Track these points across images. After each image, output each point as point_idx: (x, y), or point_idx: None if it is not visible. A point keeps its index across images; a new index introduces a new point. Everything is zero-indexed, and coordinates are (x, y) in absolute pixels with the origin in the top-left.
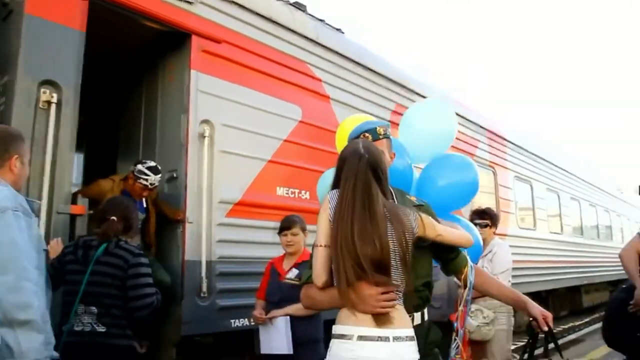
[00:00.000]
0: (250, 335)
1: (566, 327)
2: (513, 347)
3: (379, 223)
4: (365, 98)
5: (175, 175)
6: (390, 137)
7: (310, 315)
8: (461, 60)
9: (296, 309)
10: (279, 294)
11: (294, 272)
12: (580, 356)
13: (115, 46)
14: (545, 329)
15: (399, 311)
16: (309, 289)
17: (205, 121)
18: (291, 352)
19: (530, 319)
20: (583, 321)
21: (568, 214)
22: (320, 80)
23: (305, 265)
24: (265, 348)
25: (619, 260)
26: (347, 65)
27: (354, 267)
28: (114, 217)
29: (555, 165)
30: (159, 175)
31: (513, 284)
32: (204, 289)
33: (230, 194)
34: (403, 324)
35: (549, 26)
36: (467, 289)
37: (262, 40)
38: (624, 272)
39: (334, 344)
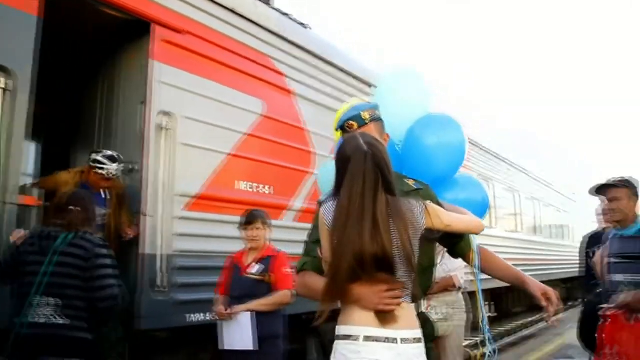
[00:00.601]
0: (208, 331)
1: (520, 323)
2: (466, 342)
3: (384, 222)
4: (329, 94)
5: (133, 167)
6: (380, 118)
7: (272, 310)
8: (447, 57)
9: (258, 304)
10: (240, 289)
11: (256, 267)
12: (535, 350)
13: (75, 34)
14: (544, 304)
15: (405, 310)
16: (307, 277)
17: (166, 113)
18: (256, 348)
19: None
20: (538, 317)
21: (525, 213)
22: (283, 74)
23: (267, 261)
24: (227, 344)
25: (572, 258)
26: (312, 61)
27: (354, 264)
28: (77, 208)
29: (514, 166)
30: (117, 165)
31: (471, 281)
32: (161, 283)
33: (190, 187)
34: (410, 324)
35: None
36: (476, 274)
37: (225, 33)
38: (577, 269)
39: (339, 345)
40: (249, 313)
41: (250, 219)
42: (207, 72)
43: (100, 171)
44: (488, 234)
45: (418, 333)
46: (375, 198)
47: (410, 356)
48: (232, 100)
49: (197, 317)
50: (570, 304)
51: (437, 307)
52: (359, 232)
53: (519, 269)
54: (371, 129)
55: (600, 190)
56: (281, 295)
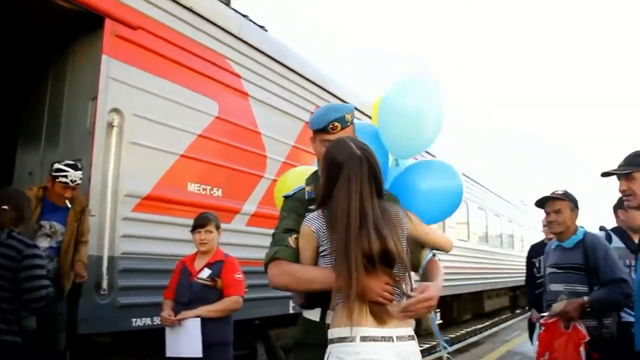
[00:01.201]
0: (153, 336)
1: (469, 330)
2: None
3: (384, 224)
4: (285, 98)
5: (79, 165)
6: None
7: (221, 317)
8: (449, 55)
9: (207, 310)
10: (189, 294)
11: (207, 272)
12: (482, 357)
13: (23, 26)
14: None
15: (398, 308)
16: (288, 266)
17: (115, 110)
18: (201, 355)
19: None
20: (484, 325)
21: (475, 222)
22: (239, 76)
23: (218, 265)
24: (173, 350)
25: (521, 267)
26: (269, 64)
27: (365, 261)
28: (6, 207)
29: (465, 176)
30: (80, 172)
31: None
32: (105, 286)
33: (138, 187)
34: (403, 323)
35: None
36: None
37: (181, 30)
38: (524, 279)
39: (334, 348)
40: (197, 319)
41: (201, 222)
42: (161, 70)
43: (63, 179)
44: None
45: (411, 330)
46: (373, 203)
47: (408, 354)
48: (185, 100)
49: (144, 322)
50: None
51: None
52: (366, 234)
53: (464, 277)
54: (351, 131)
55: (544, 202)
56: (231, 301)
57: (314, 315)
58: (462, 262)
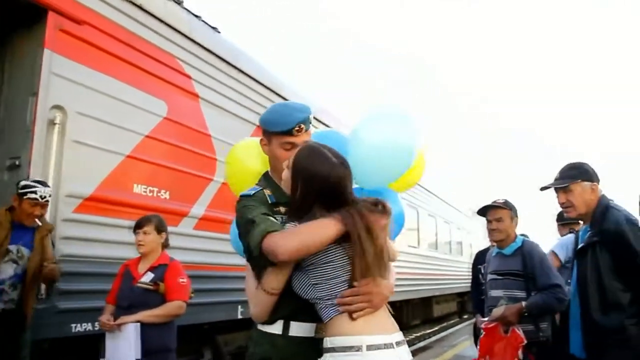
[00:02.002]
0: (96, 342)
1: (418, 335)
2: None
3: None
4: (237, 101)
5: (17, 163)
6: None
7: (162, 322)
8: (451, 52)
9: (147, 315)
10: (130, 298)
11: (149, 276)
12: None
13: None
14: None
15: (388, 313)
16: (284, 232)
17: (57, 107)
18: None
19: None
20: (433, 329)
21: (425, 229)
22: (189, 77)
23: (161, 269)
24: (111, 356)
25: (468, 273)
26: (220, 66)
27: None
28: None
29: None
30: (50, 189)
31: None
32: (43, 290)
33: (81, 188)
34: (396, 327)
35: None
36: None
37: (130, 28)
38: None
39: (337, 358)
40: (136, 324)
41: (139, 223)
42: (108, 68)
43: (32, 195)
44: None
45: (402, 334)
46: (361, 212)
47: (407, 357)
48: (132, 99)
49: (85, 328)
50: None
51: None
52: (372, 243)
53: (414, 283)
54: (310, 135)
55: (485, 210)
56: (173, 306)
57: (275, 328)
58: (412, 268)
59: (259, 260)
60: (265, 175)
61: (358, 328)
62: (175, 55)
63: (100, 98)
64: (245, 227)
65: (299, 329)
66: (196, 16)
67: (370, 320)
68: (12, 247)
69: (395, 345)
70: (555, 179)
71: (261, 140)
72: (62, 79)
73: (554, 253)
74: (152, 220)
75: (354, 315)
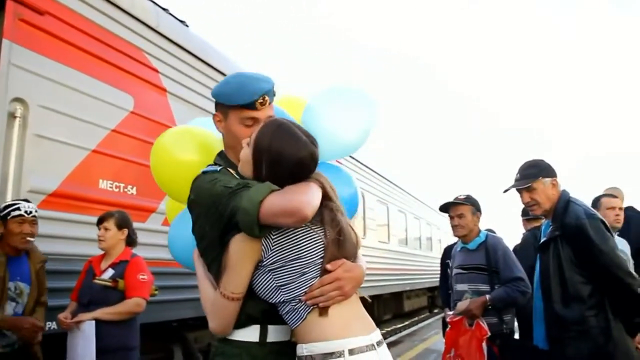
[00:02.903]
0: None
1: (389, 329)
2: None
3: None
4: (206, 95)
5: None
6: None
7: (121, 320)
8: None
9: (104, 312)
10: (89, 295)
11: (110, 273)
12: (399, 356)
13: None
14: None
15: (364, 311)
16: (289, 191)
17: (18, 99)
18: None
19: None
20: (403, 324)
21: (395, 225)
22: (157, 71)
23: (122, 266)
24: (71, 355)
25: (437, 268)
26: (188, 60)
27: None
28: None
29: (386, 179)
30: (32, 204)
31: None
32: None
33: (44, 183)
34: (373, 325)
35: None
36: None
37: (94, 20)
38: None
39: None
40: (91, 322)
41: (100, 218)
42: (71, 60)
43: (16, 212)
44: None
45: (379, 332)
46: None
47: (388, 358)
48: (98, 93)
49: (48, 327)
50: (435, 311)
51: None
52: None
53: (385, 278)
54: (272, 108)
55: (448, 207)
56: (132, 304)
57: (249, 335)
58: (382, 263)
59: (254, 231)
60: (221, 155)
61: (337, 331)
62: (142, 49)
63: (64, 91)
64: (225, 197)
65: (278, 333)
66: (163, 9)
67: (348, 319)
68: (10, 285)
69: (376, 346)
70: (516, 180)
71: (215, 116)
72: (23, 70)
73: None
74: (113, 215)
75: (322, 305)
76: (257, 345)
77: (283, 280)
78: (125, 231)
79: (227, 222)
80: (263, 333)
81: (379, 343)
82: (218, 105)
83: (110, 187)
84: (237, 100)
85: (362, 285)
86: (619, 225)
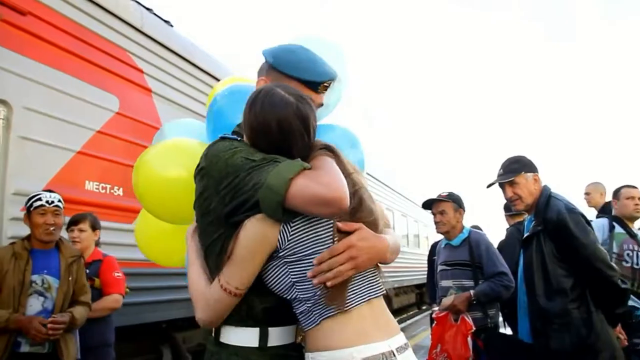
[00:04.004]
0: None
1: None
2: None
3: None
4: (191, 95)
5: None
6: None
7: (99, 318)
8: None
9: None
10: None
11: None
12: None
13: None
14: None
15: (386, 309)
16: (312, 175)
17: (1, 101)
18: (79, 357)
19: None
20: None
21: None
22: (142, 71)
23: (96, 265)
24: None
25: (425, 265)
26: (173, 60)
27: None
28: None
29: (372, 176)
30: (56, 194)
31: None
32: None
33: (29, 185)
34: (396, 327)
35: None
36: None
37: (78, 20)
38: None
39: None
40: None
41: (74, 219)
42: (56, 62)
43: (37, 203)
44: None
45: (403, 336)
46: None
47: None
48: (82, 94)
49: None
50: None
51: None
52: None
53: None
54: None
55: (430, 204)
56: (111, 300)
57: (247, 339)
58: None
59: (277, 212)
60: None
61: (349, 336)
62: (127, 49)
63: (48, 92)
64: (244, 171)
65: (281, 335)
66: (147, 9)
67: (364, 322)
68: (36, 278)
69: (396, 353)
70: (499, 175)
71: (261, 80)
72: (6, 72)
73: None
74: (87, 217)
75: (329, 284)
76: (257, 351)
77: (299, 275)
78: (98, 232)
79: (243, 200)
80: (263, 337)
81: (400, 349)
82: (272, 71)
83: (97, 189)
84: (303, 75)
85: None
86: (638, 214)
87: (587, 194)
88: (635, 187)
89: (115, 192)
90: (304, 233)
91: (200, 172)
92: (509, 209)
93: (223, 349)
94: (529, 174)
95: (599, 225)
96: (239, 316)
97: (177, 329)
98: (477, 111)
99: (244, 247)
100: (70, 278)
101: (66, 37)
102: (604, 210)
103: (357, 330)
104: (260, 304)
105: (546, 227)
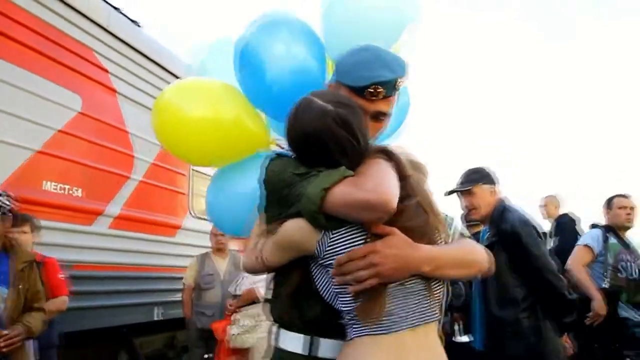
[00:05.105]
0: None
1: None
2: None
3: None
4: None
5: None
6: None
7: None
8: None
9: None
10: None
11: None
12: None
13: None
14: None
15: (437, 341)
16: (352, 180)
17: None
18: None
19: None
20: None
21: None
22: (107, 71)
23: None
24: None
25: None
26: (140, 61)
27: None
28: None
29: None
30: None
31: None
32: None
33: None
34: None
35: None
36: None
37: (42, 17)
38: None
39: None
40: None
41: (14, 222)
42: (16, 58)
43: None
44: None
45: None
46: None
47: None
48: (44, 92)
49: None
50: None
51: (240, 320)
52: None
53: None
54: (392, 103)
55: None
56: (60, 302)
57: (294, 345)
58: None
59: (319, 221)
60: None
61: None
62: (92, 48)
63: (7, 90)
64: (292, 186)
65: (332, 348)
66: (115, 8)
67: (402, 348)
68: None
69: None
70: (458, 184)
71: (329, 86)
72: None
73: (587, 246)
74: (28, 219)
75: (350, 289)
76: (303, 359)
77: (339, 286)
78: (37, 234)
79: (295, 212)
80: (312, 345)
81: None
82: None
83: (55, 189)
84: (345, 79)
85: None
86: (630, 224)
87: (542, 205)
88: (628, 197)
89: (75, 193)
90: (341, 239)
91: (261, 182)
92: (468, 220)
93: (277, 351)
94: (486, 186)
95: (594, 237)
96: (291, 320)
97: (136, 333)
98: (476, 111)
99: (280, 236)
100: (21, 286)
101: (29, 34)
102: (559, 222)
103: (391, 356)
104: (310, 310)
105: (500, 239)
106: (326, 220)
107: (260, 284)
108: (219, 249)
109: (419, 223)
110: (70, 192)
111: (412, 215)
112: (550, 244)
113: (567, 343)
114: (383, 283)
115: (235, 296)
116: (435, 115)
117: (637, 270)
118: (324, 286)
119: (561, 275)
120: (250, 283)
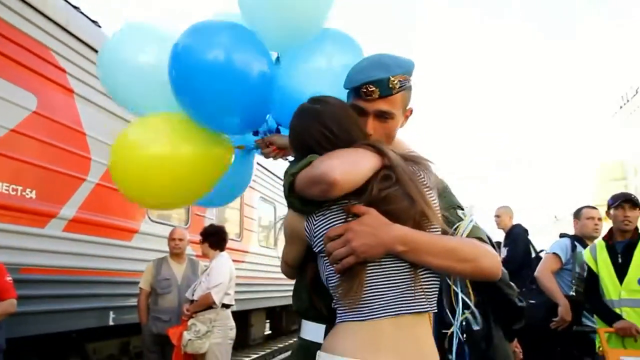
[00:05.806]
0: None
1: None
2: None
3: None
4: None
5: None
6: (411, 85)
7: None
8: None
9: None
10: None
11: None
12: None
13: None
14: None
15: (428, 332)
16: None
17: None
18: None
19: None
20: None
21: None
22: (64, 71)
23: None
24: None
25: None
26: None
27: None
28: None
29: (273, 173)
30: None
31: (247, 299)
32: None
33: None
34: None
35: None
36: None
37: None
38: None
39: None
40: None
41: None
42: None
43: None
44: (269, 254)
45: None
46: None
47: None
48: None
49: None
50: None
51: (195, 325)
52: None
53: (290, 287)
54: (396, 102)
55: None
56: (8, 305)
57: (316, 334)
58: (267, 272)
59: (294, 204)
60: None
61: (353, 346)
62: (49, 47)
63: None
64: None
65: None
66: (74, 7)
67: (380, 335)
68: None
69: None
70: None
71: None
72: None
73: (555, 255)
74: None
75: (334, 269)
76: (319, 347)
77: (328, 270)
78: None
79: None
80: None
81: None
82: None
83: (6, 190)
84: (345, 85)
85: (270, 296)
86: (597, 234)
87: (497, 216)
88: (596, 208)
89: (28, 194)
90: (322, 223)
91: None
92: None
93: (300, 340)
94: None
95: (562, 246)
96: (309, 311)
97: (88, 338)
98: (475, 112)
99: (285, 233)
100: None
101: None
102: (512, 232)
103: (366, 343)
104: (322, 300)
105: None
106: (303, 204)
107: (215, 290)
108: (176, 254)
109: (401, 207)
110: (23, 193)
111: (395, 200)
112: (502, 254)
113: (517, 349)
114: (361, 262)
115: (191, 301)
116: (435, 115)
117: None
118: (322, 274)
119: (512, 283)
120: (206, 288)
